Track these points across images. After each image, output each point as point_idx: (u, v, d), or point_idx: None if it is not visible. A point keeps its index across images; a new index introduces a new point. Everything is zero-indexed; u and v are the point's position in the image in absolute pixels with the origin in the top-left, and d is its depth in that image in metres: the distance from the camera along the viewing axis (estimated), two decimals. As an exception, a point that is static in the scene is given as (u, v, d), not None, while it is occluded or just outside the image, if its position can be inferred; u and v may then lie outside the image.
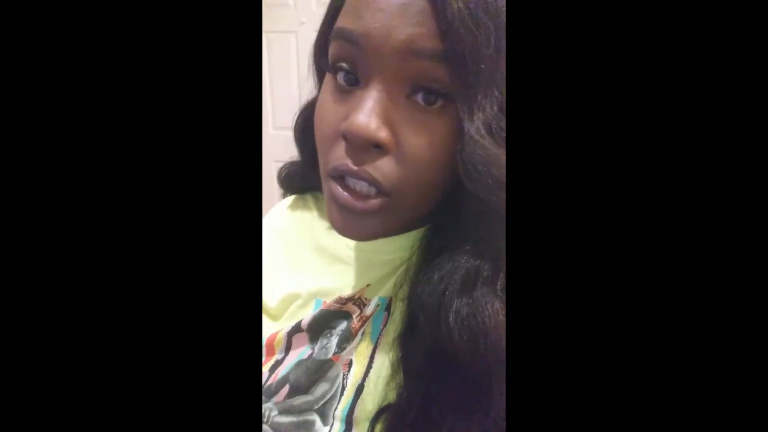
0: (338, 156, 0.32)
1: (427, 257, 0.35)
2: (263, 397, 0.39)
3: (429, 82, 0.30)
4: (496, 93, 0.29)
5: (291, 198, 0.50)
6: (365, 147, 0.31)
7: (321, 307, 0.40)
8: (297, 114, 0.45)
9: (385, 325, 0.38)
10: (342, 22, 0.32)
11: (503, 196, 0.29)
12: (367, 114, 0.30)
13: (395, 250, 0.39)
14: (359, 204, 0.32)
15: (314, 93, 0.42)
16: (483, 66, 0.29)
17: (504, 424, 0.30)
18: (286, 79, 1.83)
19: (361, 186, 0.32)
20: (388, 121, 0.30)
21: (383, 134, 0.30)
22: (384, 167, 0.31)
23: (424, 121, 0.31)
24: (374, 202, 0.32)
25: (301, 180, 0.48)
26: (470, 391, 0.31)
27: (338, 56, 0.32)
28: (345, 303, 0.39)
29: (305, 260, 0.44)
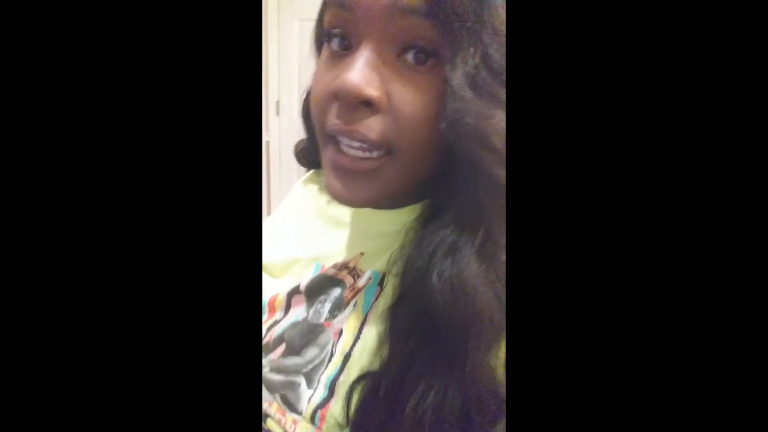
0: (330, 117, 0.33)
1: (420, 231, 0.35)
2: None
3: (417, 40, 0.30)
4: (480, 46, 0.29)
5: (309, 173, 0.52)
6: (355, 105, 0.31)
7: (319, 271, 0.41)
8: (303, 96, 0.46)
9: (376, 299, 0.38)
10: None
11: (489, 153, 0.30)
12: (357, 71, 0.30)
13: (391, 223, 0.39)
14: (356, 164, 0.32)
15: None
16: (465, 20, 0.29)
17: (477, 380, 0.31)
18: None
19: (355, 151, 0.32)
20: (378, 79, 0.31)
21: (373, 91, 0.30)
22: (376, 125, 0.31)
23: (415, 80, 0.31)
24: (370, 162, 0.32)
25: (311, 156, 0.50)
26: (448, 350, 0.32)
27: (331, 23, 0.33)
28: (340, 270, 0.40)
29: (310, 226, 0.46)
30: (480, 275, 0.31)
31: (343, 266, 0.40)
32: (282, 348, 0.40)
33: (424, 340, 0.33)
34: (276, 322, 0.42)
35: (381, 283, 0.39)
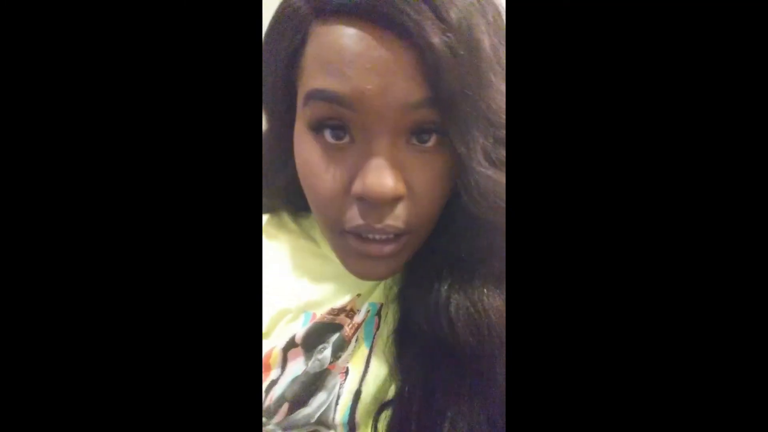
0: (353, 217, 0.33)
1: (414, 259, 0.38)
2: (264, 419, 0.40)
3: (425, 125, 0.32)
4: (488, 125, 0.31)
5: (264, 218, 0.50)
6: (387, 204, 0.32)
7: (311, 320, 0.42)
8: (276, 173, 0.44)
9: (378, 329, 0.40)
10: (321, 82, 0.31)
11: (498, 210, 0.31)
12: (383, 174, 0.31)
13: None
14: (384, 249, 0.34)
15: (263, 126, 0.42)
16: (471, 101, 0.30)
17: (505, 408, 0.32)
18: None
19: (380, 235, 0.34)
20: (400, 173, 0.32)
21: (401, 188, 0.32)
22: (402, 214, 0.33)
23: (424, 160, 0.33)
24: (396, 245, 0.34)
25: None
26: (473, 378, 0.33)
27: (323, 116, 0.32)
28: (338, 314, 0.41)
29: (290, 276, 0.45)
30: (497, 301, 0.34)
31: (341, 311, 0.41)
32: (285, 407, 0.40)
33: (443, 368, 0.35)
34: (273, 382, 0.41)
35: (379, 313, 0.41)
